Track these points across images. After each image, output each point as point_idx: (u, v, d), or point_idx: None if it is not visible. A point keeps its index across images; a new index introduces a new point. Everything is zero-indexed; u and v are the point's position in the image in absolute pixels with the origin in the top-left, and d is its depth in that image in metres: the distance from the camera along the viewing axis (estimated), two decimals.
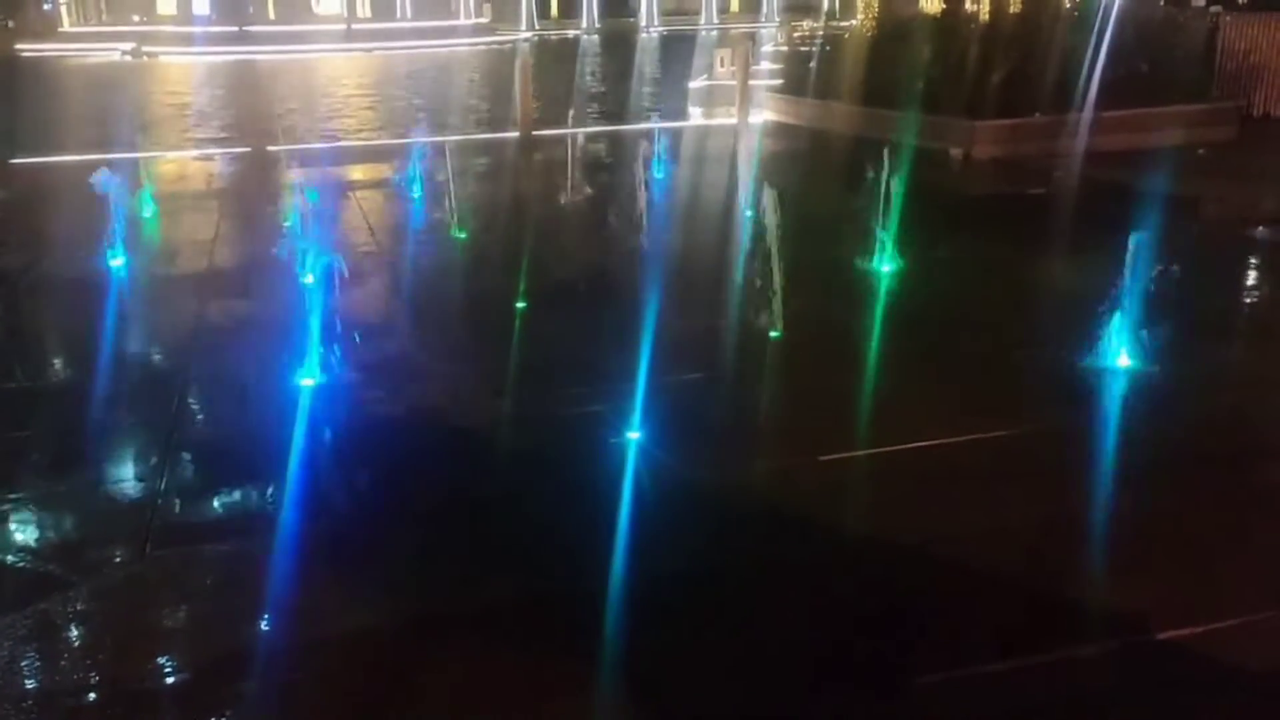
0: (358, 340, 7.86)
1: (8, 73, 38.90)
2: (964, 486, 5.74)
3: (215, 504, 5.84)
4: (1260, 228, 11.62)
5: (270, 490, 5.88)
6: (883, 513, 5.51)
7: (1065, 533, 5.23)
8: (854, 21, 32.77)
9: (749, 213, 11.99)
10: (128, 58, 47.75)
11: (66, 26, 61.40)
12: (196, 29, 52.88)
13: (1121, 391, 6.96)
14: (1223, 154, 15.82)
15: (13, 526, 5.58)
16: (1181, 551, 5.04)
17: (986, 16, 20.62)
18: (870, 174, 10.04)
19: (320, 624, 4.59)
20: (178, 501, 5.81)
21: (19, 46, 51.87)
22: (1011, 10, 21.58)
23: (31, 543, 5.45)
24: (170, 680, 4.29)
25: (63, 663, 4.40)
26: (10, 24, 61.43)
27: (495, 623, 4.58)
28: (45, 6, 65.22)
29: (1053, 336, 7.77)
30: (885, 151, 10.13)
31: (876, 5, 27.12)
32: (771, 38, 40.11)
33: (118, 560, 5.16)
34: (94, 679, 4.26)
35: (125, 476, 6.19)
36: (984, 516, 5.42)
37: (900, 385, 7.17)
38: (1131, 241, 7.12)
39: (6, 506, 5.74)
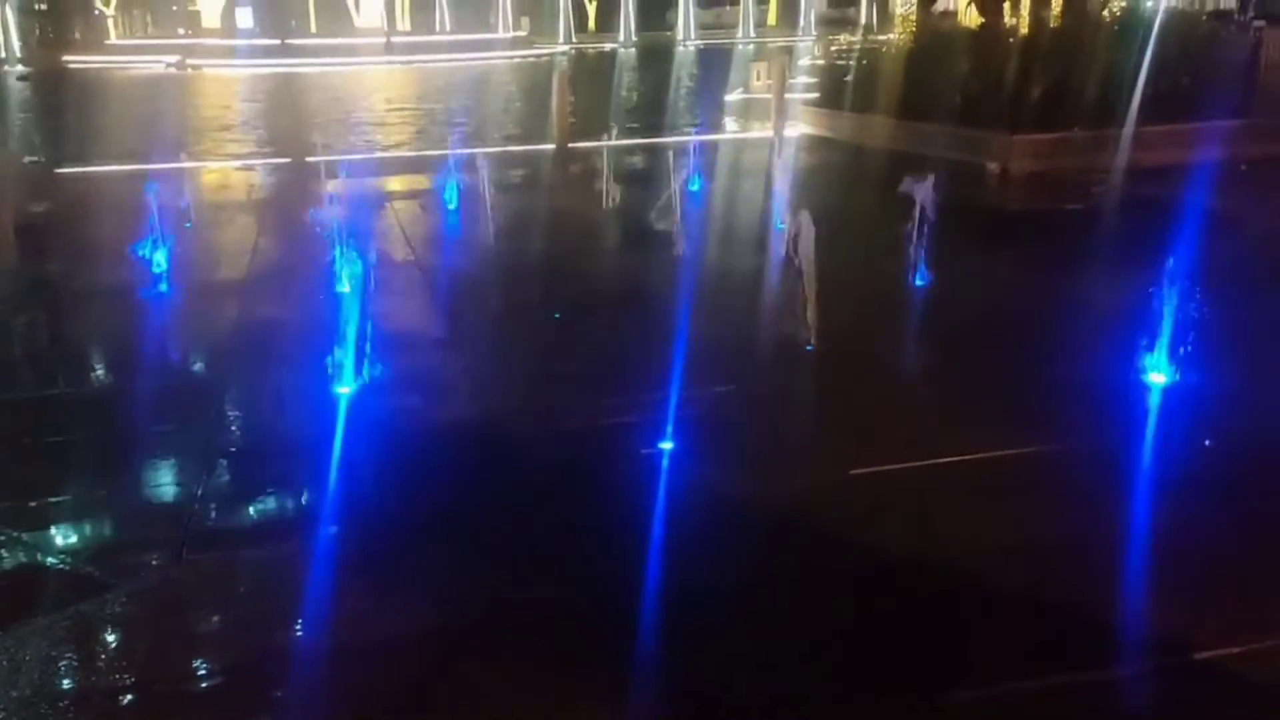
0: (391, 348, 7.92)
1: (56, 84, 39.66)
2: (995, 501, 5.70)
3: (248, 510, 5.91)
4: None
5: (301, 496, 5.94)
6: (914, 527, 5.48)
7: (1098, 549, 5.17)
8: (891, 36, 32.69)
9: (782, 225, 11.99)
10: (172, 70, 48.54)
11: (113, 39, 62.53)
12: (240, 42, 53.70)
13: (1157, 407, 6.87)
14: (1265, 170, 15.58)
15: (52, 530, 5.67)
16: (1218, 569, 4.97)
17: (1025, 30, 20.47)
18: (905, 188, 9.99)
19: (353, 630, 4.63)
20: (212, 507, 5.89)
21: (66, 58, 52.85)
22: (1050, 24, 21.41)
23: (70, 545, 5.54)
24: (201, 683, 4.34)
25: (99, 663, 4.47)
26: (51, 34, 62.47)
27: (528, 631, 4.60)
28: (94, 20, 66.44)
29: (1089, 352, 7.68)
30: (921, 165, 10.09)
31: (914, 19, 27.03)
32: (808, 52, 40.10)
33: (155, 564, 5.23)
34: (129, 680, 4.33)
35: (162, 481, 6.28)
36: (1015, 532, 5.37)
37: (934, 399, 7.13)
38: (1169, 258, 7.03)
39: (46, 510, 5.84)
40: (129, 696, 4.23)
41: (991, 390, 7.32)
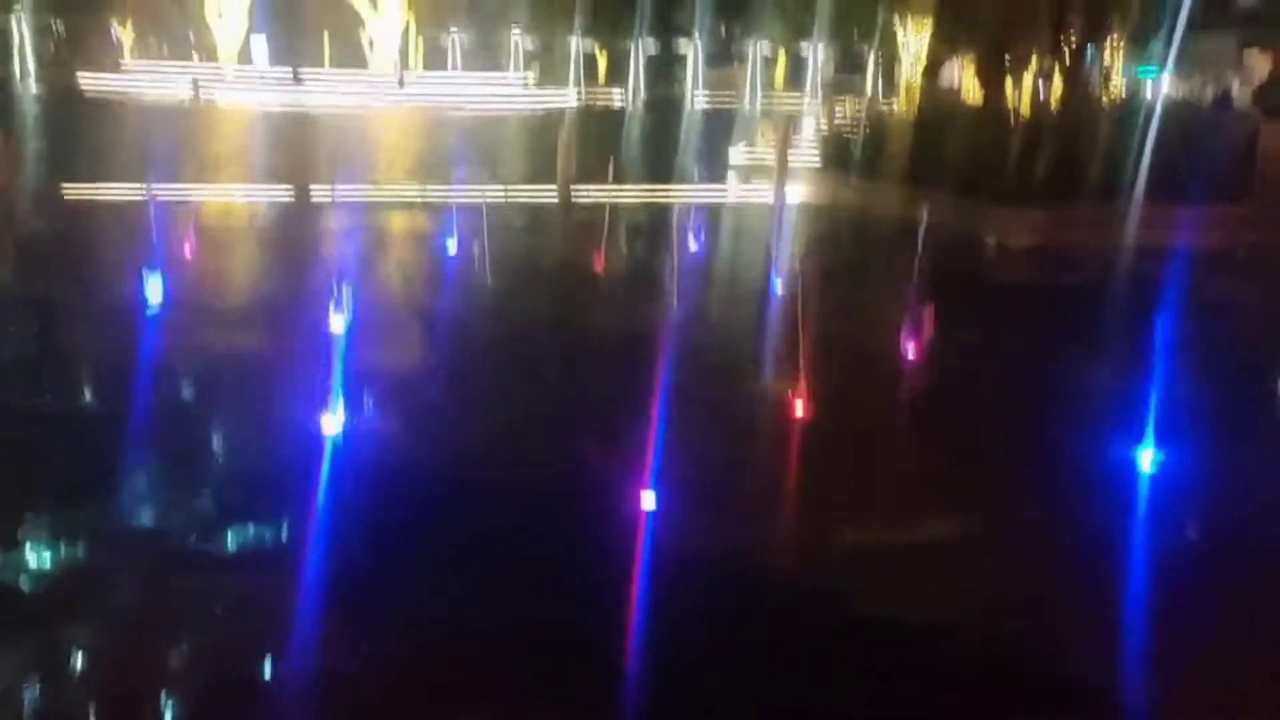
0: (370, 388, 7.90)
1: (66, 106, 39.89)
2: (977, 575, 5.66)
3: (215, 539, 5.84)
4: None
5: (275, 534, 5.88)
6: (891, 598, 5.43)
7: (1077, 621, 5.13)
8: (894, 103, 33.05)
9: (779, 288, 12.05)
10: (184, 96, 48.81)
11: (129, 64, 62.99)
12: (253, 72, 54.20)
13: (1138, 486, 6.85)
14: (1261, 256, 15.72)
15: (31, 552, 5.60)
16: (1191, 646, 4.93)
17: (1026, 108, 20.77)
18: (903, 256, 10.07)
19: (325, 664, 4.56)
20: (181, 535, 5.84)
21: (81, 79, 53.17)
22: (1052, 102, 21.71)
23: (47, 568, 5.46)
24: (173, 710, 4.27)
25: (75, 689, 4.39)
26: (66, 54, 62.98)
27: (503, 676, 4.53)
28: (109, 43, 67.05)
29: (1077, 428, 7.68)
30: (920, 234, 10.16)
31: (918, 89, 27.37)
32: (813, 115, 40.52)
33: (133, 589, 5.16)
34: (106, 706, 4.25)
35: (141, 506, 6.22)
36: (996, 605, 5.33)
37: (921, 470, 7.11)
38: (1159, 338, 7.06)
39: (24, 531, 5.76)
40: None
41: (980, 461, 7.31)
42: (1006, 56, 22.24)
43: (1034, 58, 22.69)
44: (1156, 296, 11.52)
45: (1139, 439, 7.03)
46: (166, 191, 13.78)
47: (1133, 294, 12.60)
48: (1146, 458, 7.02)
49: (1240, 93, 49.34)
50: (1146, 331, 7.37)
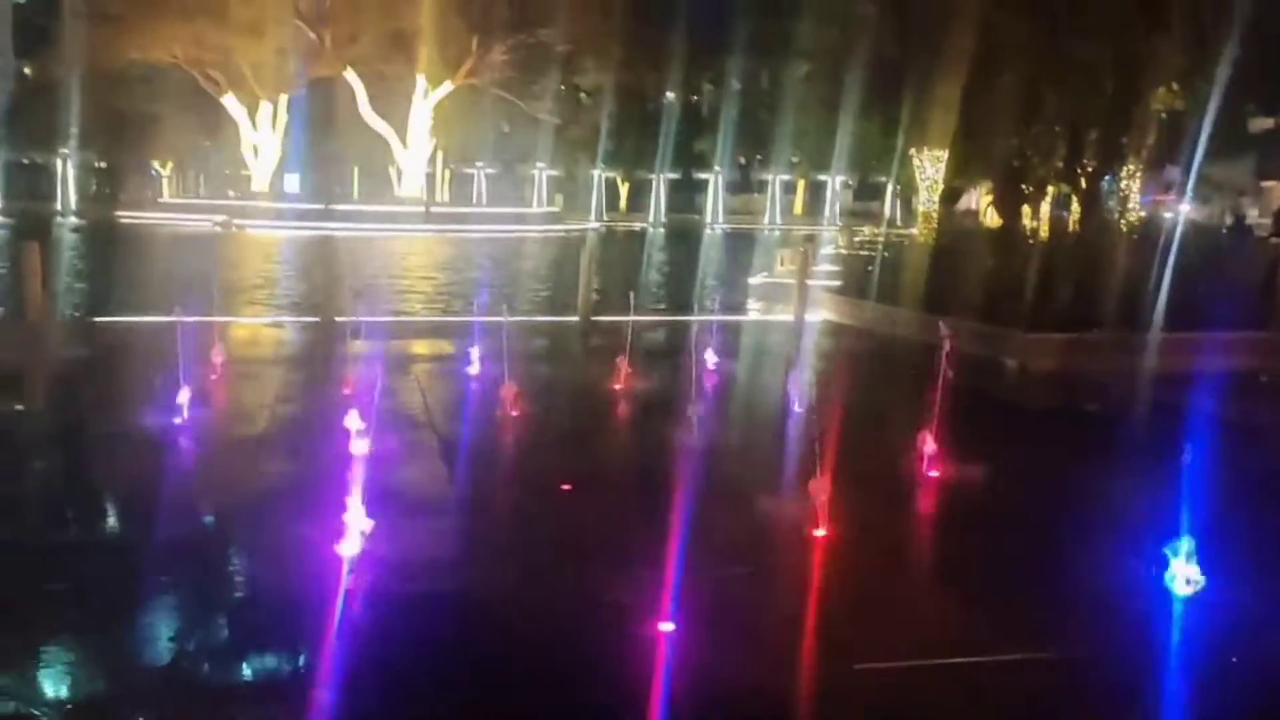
0: (392, 512, 7.87)
1: (105, 238, 41.12)
2: (1005, 708, 5.50)
3: (241, 669, 5.77)
4: None
5: (294, 659, 5.80)
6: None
7: None
8: (914, 229, 33.57)
9: (799, 410, 12.05)
10: (218, 229, 50.24)
11: (166, 198, 65.18)
12: (285, 205, 55.78)
13: (1167, 615, 6.68)
14: None
15: (41, 678, 5.54)
16: None
17: (1045, 233, 21.07)
18: (924, 379, 10.08)
19: None
20: (205, 664, 5.76)
21: (120, 214, 54.94)
22: (1071, 228, 22.03)
23: (56, 696, 5.39)
24: None
25: None
26: (107, 190, 65.21)
27: None
28: (149, 179, 69.46)
29: (1099, 556, 7.55)
30: (941, 358, 10.18)
31: (936, 216, 27.81)
32: (832, 240, 41.13)
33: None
34: None
35: (157, 635, 6.17)
36: None
37: (940, 594, 6.99)
38: (1182, 465, 6.97)
39: (35, 657, 5.72)
40: None
41: (1001, 587, 7.17)
42: (1024, 184, 22.68)
43: (1051, 185, 23.14)
44: (1180, 421, 11.44)
45: (1165, 562, 6.89)
46: (194, 318, 14.05)
47: (1156, 419, 12.50)
48: (1175, 580, 6.86)
49: (1257, 218, 49.85)
50: (1171, 456, 7.27)
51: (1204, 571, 6.84)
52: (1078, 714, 5.51)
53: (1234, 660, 6.17)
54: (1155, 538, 7.02)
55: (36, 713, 5.18)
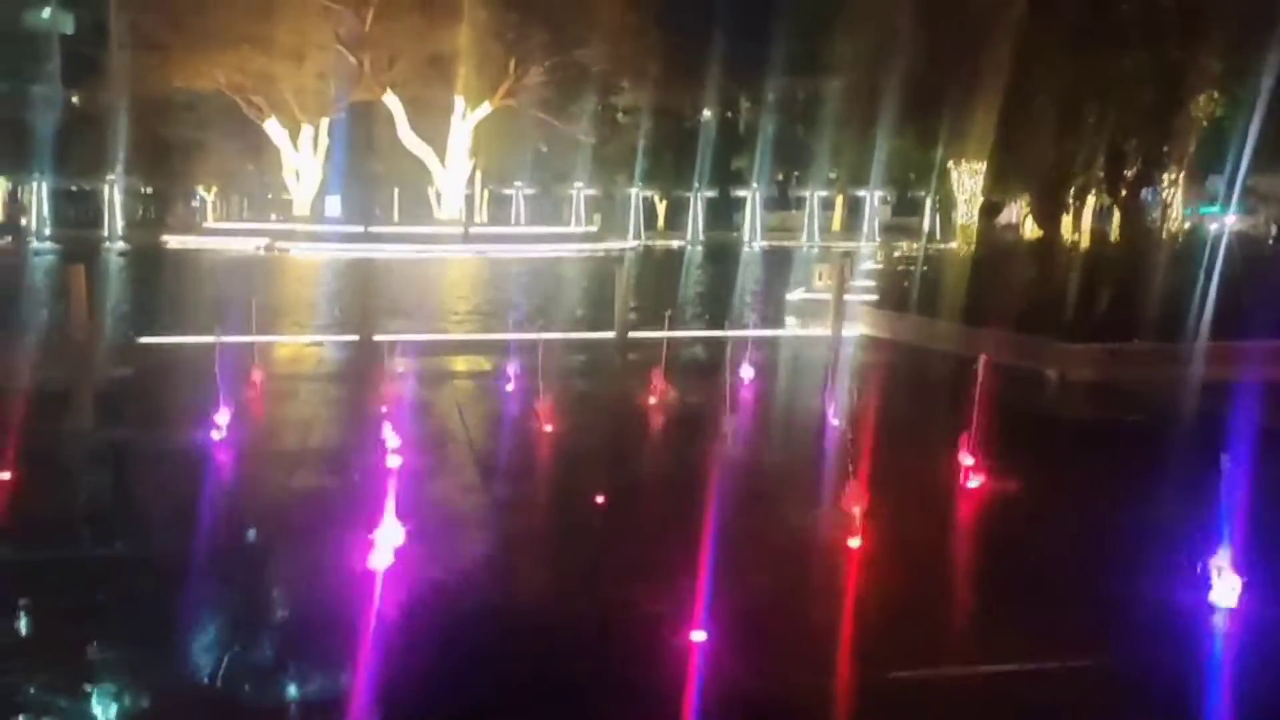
0: (429, 525, 7.92)
1: (150, 261, 41.87)
2: (1039, 715, 5.43)
3: (274, 680, 5.81)
4: None
5: (326, 670, 5.84)
6: None
7: None
8: (953, 244, 33.30)
9: (834, 423, 11.98)
10: (261, 252, 51.00)
11: (210, 222, 66.29)
12: (327, 228, 56.55)
13: (1208, 628, 6.55)
14: None
15: (67, 693, 5.61)
16: None
17: (1085, 243, 20.84)
18: (963, 390, 10.00)
19: None
20: (239, 673, 5.82)
21: (165, 238, 55.94)
22: (1112, 239, 21.78)
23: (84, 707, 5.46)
24: None
25: None
26: (153, 215, 66.39)
27: None
28: (193, 204, 70.72)
29: (1140, 567, 7.43)
30: (980, 370, 10.09)
31: (975, 228, 27.58)
32: (871, 255, 40.94)
33: None
34: None
35: (192, 650, 6.23)
36: None
37: (978, 605, 6.91)
38: (1224, 475, 6.85)
39: (64, 671, 5.79)
40: None
41: (1038, 599, 7.08)
42: (1062, 195, 22.46)
43: (1091, 195, 22.90)
44: (1222, 431, 11.23)
45: (1207, 573, 6.78)
46: (236, 338, 14.26)
47: (1197, 429, 12.30)
48: (1217, 592, 6.75)
49: None
50: (1212, 466, 7.14)
51: (1246, 582, 6.72)
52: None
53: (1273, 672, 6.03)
54: (1197, 548, 6.90)
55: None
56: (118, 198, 63.81)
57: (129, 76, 53.54)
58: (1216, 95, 22.08)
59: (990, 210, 30.12)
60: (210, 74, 55.27)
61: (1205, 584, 6.81)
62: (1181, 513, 7.22)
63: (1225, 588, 6.76)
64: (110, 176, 61.99)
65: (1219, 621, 6.64)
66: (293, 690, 5.74)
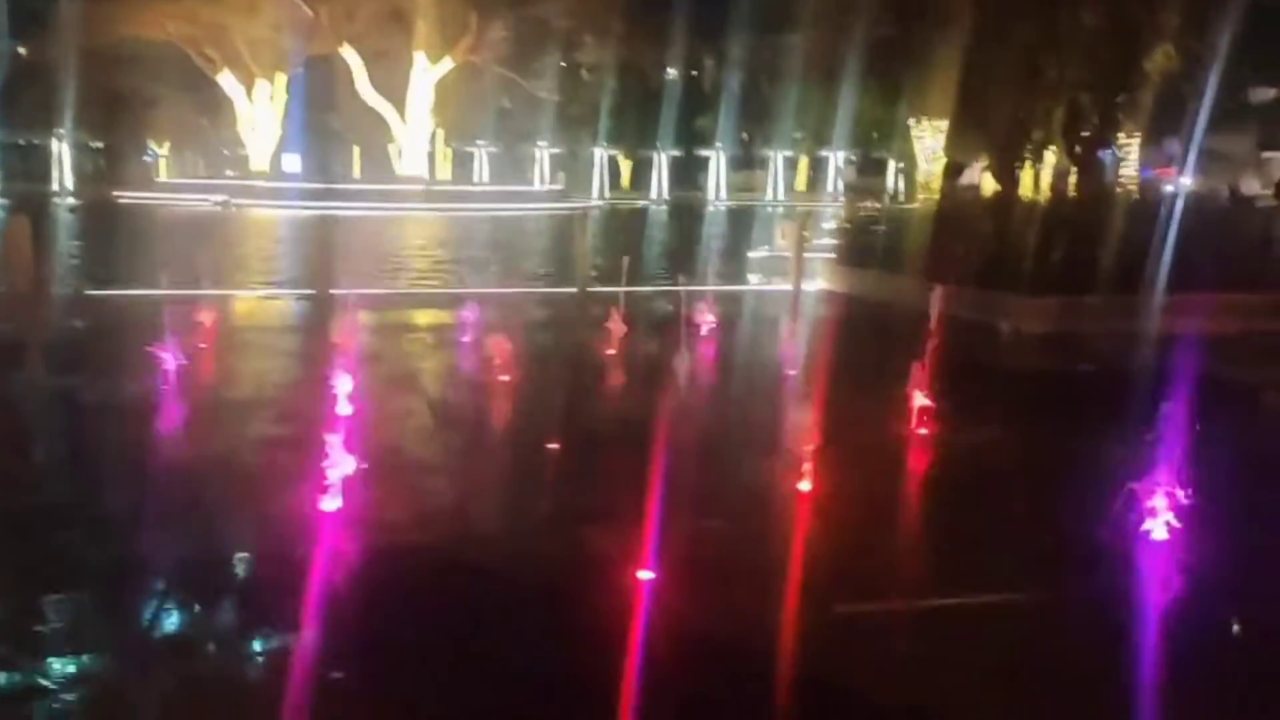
0: (378, 469, 7.88)
1: (101, 217, 41.08)
2: (971, 646, 5.53)
3: (222, 619, 5.78)
4: None
5: (274, 608, 5.82)
6: (890, 668, 5.29)
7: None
8: (915, 203, 33.42)
9: (789, 371, 12.04)
10: (217, 208, 50.12)
11: (164, 178, 65.00)
12: (285, 184, 55.61)
13: (1143, 563, 6.68)
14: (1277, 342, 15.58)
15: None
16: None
17: (1041, 197, 20.96)
18: (917, 343, 10.06)
19: None
20: (186, 612, 5.78)
21: (117, 193, 54.80)
22: (1069, 194, 21.92)
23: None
24: None
25: None
26: (104, 170, 64.95)
27: None
28: (145, 159, 69.31)
29: (1082, 505, 7.56)
30: (935, 322, 10.16)
31: (935, 187, 27.70)
32: (834, 214, 40.96)
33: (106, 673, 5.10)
34: None
35: (142, 585, 6.18)
36: (989, 676, 5.18)
37: (924, 544, 7.01)
38: (1165, 419, 6.96)
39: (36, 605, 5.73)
40: None
41: (980, 538, 7.20)
42: (1020, 150, 22.54)
43: (1050, 153, 23.02)
44: (1167, 379, 11.39)
45: (1142, 510, 6.92)
46: (188, 291, 14.06)
47: (1145, 378, 12.46)
48: (1151, 528, 6.89)
49: (1259, 190, 49.57)
50: (1155, 412, 7.24)
51: (1178, 517, 6.85)
52: (1052, 651, 5.51)
53: (1202, 601, 6.17)
54: (1137, 487, 7.01)
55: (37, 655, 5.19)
56: (67, 152, 62.43)
57: (77, 28, 52.09)
58: (1173, 53, 22.19)
59: (953, 171, 30.20)
60: (160, 25, 53.90)
61: (1141, 519, 6.93)
62: (1122, 454, 7.32)
63: (1160, 523, 6.89)
64: (59, 130, 60.59)
65: (1154, 554, 6.76)
66: (236, 631, 5.71)
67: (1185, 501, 6.84)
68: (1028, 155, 22.81)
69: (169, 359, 11.02)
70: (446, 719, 4.75)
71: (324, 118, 63.56)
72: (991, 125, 23.51)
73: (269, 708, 4.81)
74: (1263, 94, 55.86)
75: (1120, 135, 23.37)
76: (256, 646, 5.52)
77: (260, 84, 60.48)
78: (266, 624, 5.77)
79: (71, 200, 53.98)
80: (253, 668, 5.34)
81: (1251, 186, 52.30)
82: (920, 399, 9.79)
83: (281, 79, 60.67)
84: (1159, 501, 6.88)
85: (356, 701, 4.98)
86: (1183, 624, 5.89)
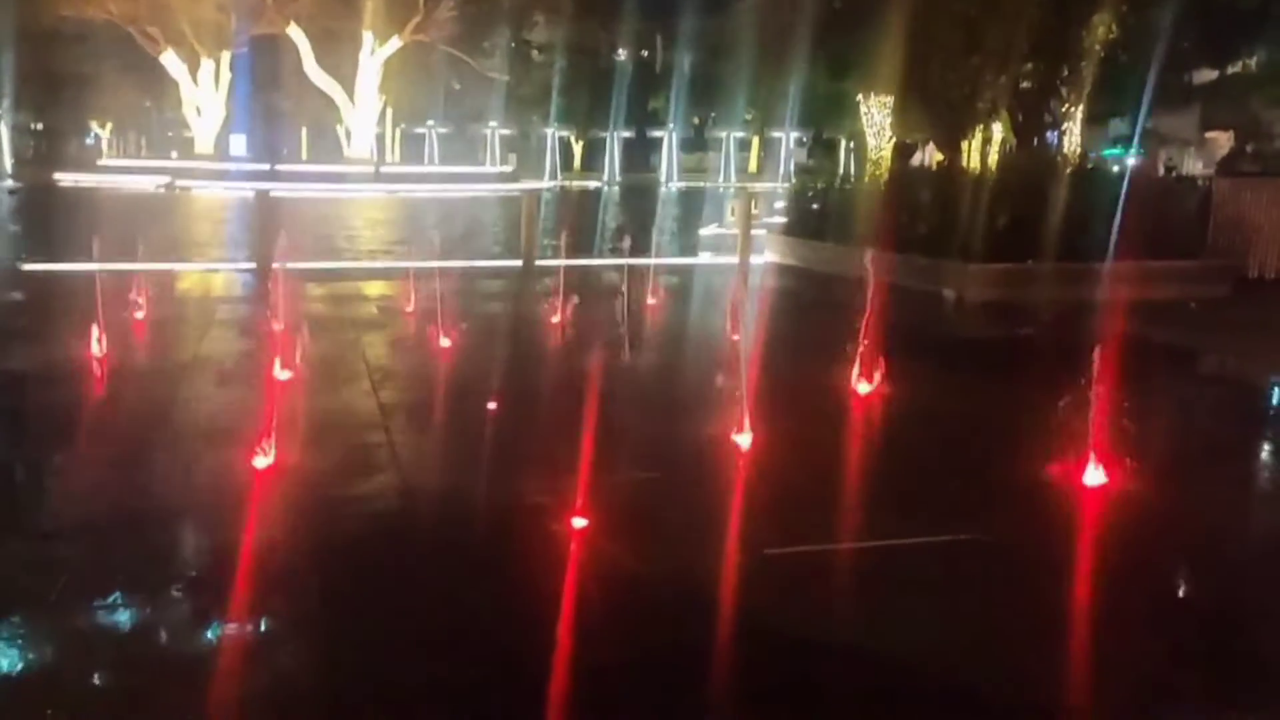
0: (320, 429, 7.83)
1: (41, 198, 40.24)
2: (901, 586, 5.62)
3: (156, 576, 5.69)
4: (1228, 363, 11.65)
5: (205, 566, 5.76)
6: (820, 606, 5.36)
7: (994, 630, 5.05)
8: (863, 177, 33.58)
9: (731, 336, 12.08)
10: (160, 190, 49.25)
11: (106, 160, 63.72)
12: (230, 165, 54.74)
13: (1062, 505, 6.81)
14: (1212, 309, 15.94)
15: None
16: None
17: (986, 169, 21.13)
18: (859, 308, 10.13)
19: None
20: (110, 567, 5.70)
21: (57, 176, 53.67)
22: (1010, 165, 22.10)
23: None
24: None
25: None
26: (45, 152, 63.56)
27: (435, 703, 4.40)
28: (88, 141, 67.95)
29: (1012, 456, 7.70)
30: (879, 290, 10.26)
31: (883, 162, 27.87)
32: (783, 191, 41.10)
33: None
34: None
35: (73, 539, 6.09)
36: (917, 614, 5.25)
37: (857, 493, 7.09)
38: (1095, 375, 7.10)
39: None
40: None
41: (913, 485, 7.31)
42: (966, 119, 22.68)
43: (997, 126, 23.19)
44: (1102, 340, 11.58)
45: (1074, 460, 7.05)
46: (127, 265, 13.80)
47: (1081, 340, 12.65)
48: (1081, 475, 7.03)
49: (1201, 170, 50.38)
50: (1089, 369, 7.36)
51: (1102, 466, 7.00)
52: (986, 589, 5.60)
53: (1129, 540, 6.31)
54: (1067, 437, 7.15)
55: None
56: (5, 134, 61.04)
57: (13, 6, 50.80)
58: (1115, 27, 22.43)
59: (905, 154, 30.42)
60: (102, 3, 52.71)
61: (1070, 468, 7.07)
62: (1054, 408, 7.44)
63: (1093, 471, 7.03)
64: None
65: (1078, 498, 6.90)
66: (166, 583, 5.64)
67: (1116, 451, 7.00)
68: (972, 128, 22.96)
69: (106, 329, 10.85)
70: (375, 665, 4.71)
71: (270, 99, 62.57)
72: (935, 98, 23.67)
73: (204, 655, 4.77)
74: (1206, 75, 56.74)
75: (1064, 107, 23.58)
76: (191, 593, 5.45)
77: (205, 64, 59.38)
78: (199, 570, 5.72)
79: (10, 183, 52.74)
80: (185, 610, 5.27)
81: (1194, 166, 53.22)
82: (859, 363, 9.89)
83: (227, 59, 59.62)
84: (1091, 450, 7.03)
85: (284, 644, 4.96)
86: (1118, 565, 6.00)
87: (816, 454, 7.93)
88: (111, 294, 11.50)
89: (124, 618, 5.17)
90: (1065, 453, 7.16)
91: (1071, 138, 22.57)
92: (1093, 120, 30.57)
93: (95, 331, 10.73)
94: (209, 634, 4.98)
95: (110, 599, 5.27)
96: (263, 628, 5.08)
